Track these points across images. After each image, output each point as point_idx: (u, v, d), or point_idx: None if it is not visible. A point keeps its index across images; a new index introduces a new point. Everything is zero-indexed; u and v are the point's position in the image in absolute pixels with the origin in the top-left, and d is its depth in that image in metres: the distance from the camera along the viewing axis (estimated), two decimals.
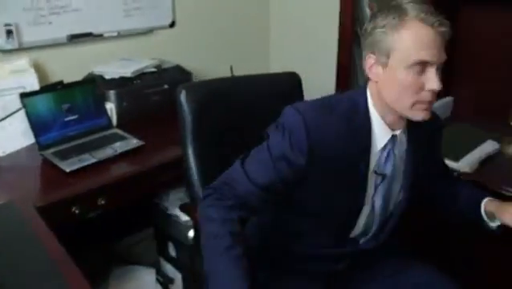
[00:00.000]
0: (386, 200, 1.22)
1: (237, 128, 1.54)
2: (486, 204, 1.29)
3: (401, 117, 1.12)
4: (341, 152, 1.11)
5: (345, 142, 1.11)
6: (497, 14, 1.93)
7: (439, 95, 1.12)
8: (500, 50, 1.96)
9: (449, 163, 1.62)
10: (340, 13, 1.99)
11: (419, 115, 1.07)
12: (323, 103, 1.15)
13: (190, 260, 1.94)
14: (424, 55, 1.01)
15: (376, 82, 1.09)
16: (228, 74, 2.16)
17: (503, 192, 1.52)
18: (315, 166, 1.10)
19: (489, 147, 1.78)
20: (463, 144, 1.76)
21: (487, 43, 1.95)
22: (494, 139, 1.83)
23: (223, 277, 1.02)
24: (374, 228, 1.26)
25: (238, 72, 2.02)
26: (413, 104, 1.06)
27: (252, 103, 1.58)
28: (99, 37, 2.04)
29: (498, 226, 1.26)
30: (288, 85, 1.67)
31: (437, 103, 2.01)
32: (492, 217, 1.27)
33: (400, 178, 1.22)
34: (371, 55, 1.07)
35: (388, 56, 1.04)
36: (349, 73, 2.07)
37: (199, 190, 1.47)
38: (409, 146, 1.20)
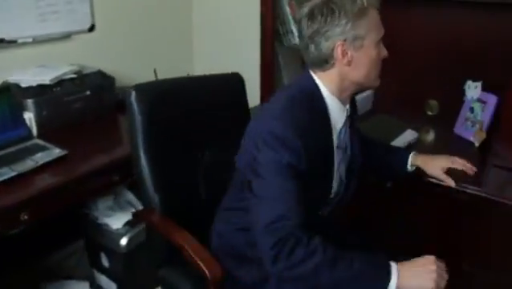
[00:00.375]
0: (348, 168, 1.41)
1: (187, 127, 1.58)
2: (412, 158, 1.60)
3: (350, 94, 1.31)
4: (315, 140, 1.21)
5: (313, 130, 1.22)
6: (417, 9, 2.03)
7: None
8: (418, 44, 2.06)
9: None
10: (261, 12, 2.02)
11: (378, 82, 1.31)
12: (284, 102, 1.23)
13: (124, 269, 1.90)
14: (382, 32, 1.25)
15: (347, 64, 1.22)
16: (152, 77, 2.13)
17: (428, 179, 1.63)
18: (305, 161, 1.17)
19: (408, 136, 1.88)
20: (384, 135, 1.85)
21: (404, 37, 2.05)
22: (413, 128, 1.94)
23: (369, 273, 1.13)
24: (341, 194, 1.41)
25: (162, 75, 2.00)
26: (377, 74, 1.29)
27: (200, 103, 1.63)
28: (12, 43, 1.93)
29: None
30: (233, 85, 1.75)
31: (358, 97, 2.09)
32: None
33: (349, 146, 1.40)
34: (343, 43, 1.19)
35: (362, 39, 1.20)
36: (273, 70, 2.10)
37: (154, 195, 1.49)
38: (348, 118, 1.35)
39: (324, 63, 1.23)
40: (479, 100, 1.86)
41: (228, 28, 2.63)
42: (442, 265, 1.18)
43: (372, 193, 1.72)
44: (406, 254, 1.20)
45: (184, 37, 2.77)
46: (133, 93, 1.48)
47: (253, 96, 2.28)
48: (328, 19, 1.18)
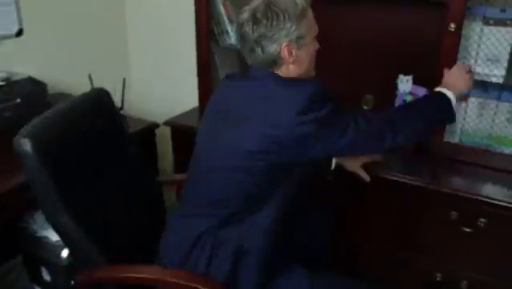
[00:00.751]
0: None
1: (87, 159, 1.45)
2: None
3: None
4: None
5: None
6: (349, 7, 2.08)
7: None
8: (353, 41, 2.11)
9: None
10: (196, 12, 2.01)
11: (314, 73, 1.43)
12: (279, 81, 1.32)
13: (66, 282, 1.84)
14: (317, 29, 1.37)
15: (293, 63, 1.31)
16: (86, 83, 2.07)
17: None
18: None
19: None
20: None
21: (339, 35, 2.10)
22: None
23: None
24: None
25: (98, 81, 1.95)
26: (313, 66, 1.41)
27: (83, 129, 1.47)
28: None
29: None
30: (100, 101, 1.58)
31: None
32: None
33: None
34: (288, 43, 1.27)
35: (304, 38, 1.29)
36: (209, 70, 2.10)
37: (91, 248, 1.34)
38: None
39: (273, 63, 1.31)
40: (411, 93, 1.93)
41: (163, 29, 2.60)
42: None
43: (316, 186, 1.75)
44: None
45: (119, 40, 2.71)
46: (29, 143, 1.22)
47: (191, 97, 2.28)
48: (274, 23, 1.25)
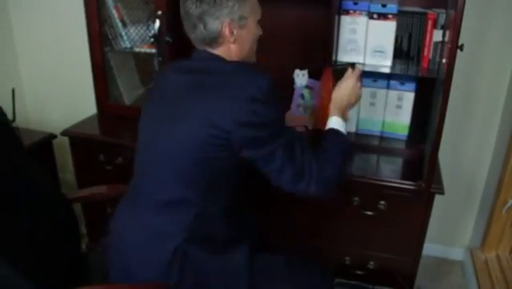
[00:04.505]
0: None
1: None
2: None
3: None
4: None
5: None
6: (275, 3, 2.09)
7: None
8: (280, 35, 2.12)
9: None
10: (86, 16, 1.93)
11: (255, 58, 1.44)
12: (230, 69, 1.32)
13: None
14: (260, 13, 1.39)
15: (234, 42, 1.32)
16: None
17: None
18: None
19: None
20: None
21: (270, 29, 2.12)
22: None
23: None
24: None
25: None
26: (254, 51, 1.42)
27: None
28: None
29: None
30: None
31: None
32: None
33: None
34: (230, 21, 1.28)
35: (246, 19, 1.31)
36: (105, 74, 2.04)
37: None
38: None
39: (214, 41, 1.31)
40: (308, 87, 2.00)
41: (54, 34, 2.47)
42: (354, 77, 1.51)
43: None
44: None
45: (5, 48, 2.53)
46: None
47: (89, 102, 2.19)
48: (217, 1, 1.26)
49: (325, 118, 1.50)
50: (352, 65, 1.55)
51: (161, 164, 1.33)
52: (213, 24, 1.28)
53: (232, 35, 1.30)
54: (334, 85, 1.54)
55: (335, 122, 1.45)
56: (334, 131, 1.43)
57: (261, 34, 1.42)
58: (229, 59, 1.34)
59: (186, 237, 1.31)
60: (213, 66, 1.32)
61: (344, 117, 1.48)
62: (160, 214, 1.34)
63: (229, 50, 1.33)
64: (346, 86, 1.49)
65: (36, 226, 1.40)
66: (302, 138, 1.36)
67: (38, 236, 1.40)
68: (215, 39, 1.30)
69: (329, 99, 1.51)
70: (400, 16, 1.77)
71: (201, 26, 1.28)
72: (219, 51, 1.33)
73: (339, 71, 1.56)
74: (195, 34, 1.32)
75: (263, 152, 1.27)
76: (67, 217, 1.58)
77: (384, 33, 1.79)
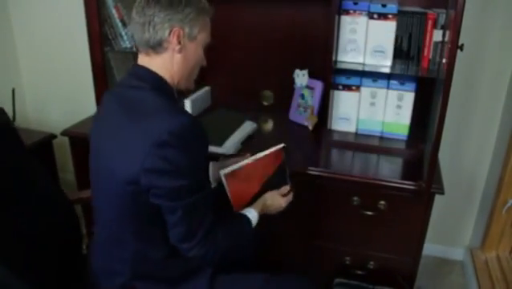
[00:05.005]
0: None
1: None
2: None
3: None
4: None
5: None
6: (243, 5, 2.09)
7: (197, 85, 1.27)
8: (247, 39, 2.14)
9: (214, 149, 1.73)
10: (86, 16, 1.93)
11: (193, 85, 1.36)
12: (158, 102, 1.22)
13: None
14: (209, 39, 1.31)
15: (179, 52, 1.24)
16: None
17: None
18: None
19: (247, 127, 1.95)
20: (224, 129, 1.90)
21: (233, 34, 2.11)
22: (251, 119, 2.02)
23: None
24: None
25: None
26: (194, 76, 1.34)
27: None
28: None
29: None
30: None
31: (197, 94, 2.12)
32: None
33: None
34: (180, 29, 1.21)
35: (197, 33, 1.25)
36: (105, 74, 2.04)
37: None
38: None
39: (158, 45, 1.23)
40: (308, 87, 2.00)
41: (54, 34, 2.47)
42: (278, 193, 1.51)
43: None
44: None
45: (6, 49, 2.53)
46: None
47: (89, 102, 2.19)
48: (174, 4, 1.21)
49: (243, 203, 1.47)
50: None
51: (99, 199, 1.34)
52: (163, 27, 1.21)
53: (178, 44, 1.23)
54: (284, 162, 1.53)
55: (253, 214, 1.41)
56: (248, 219, 1.39)
57: (205, 65, 1.34)
58: (169, 73, 1.26)
59: (132, 274, 1.30)
60: (140, 97, 1.24)
61: (259, 213, 1.44)
62: (104, 248, 1.35)
63: (171, 60, 1.25)
64: (278, 204, 1.51)
65: (37, 226, 1.40)
66: (212, 196, 1.28)
67: (38, 236, 1.39)
68: (160, 43, 1.23)
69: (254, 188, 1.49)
70: (400, 16, 1.77)
71: (150, 28, 1.22)
72: (162, 59, 1.25)
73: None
74: (141, 36, 1.24)
75: (166, 204, 1.19)
76: (68, 218, 1.57)
77: (384, 33, 1.79)
